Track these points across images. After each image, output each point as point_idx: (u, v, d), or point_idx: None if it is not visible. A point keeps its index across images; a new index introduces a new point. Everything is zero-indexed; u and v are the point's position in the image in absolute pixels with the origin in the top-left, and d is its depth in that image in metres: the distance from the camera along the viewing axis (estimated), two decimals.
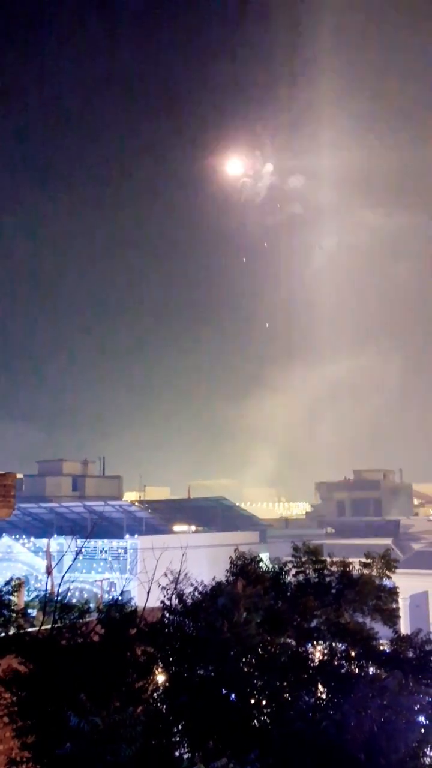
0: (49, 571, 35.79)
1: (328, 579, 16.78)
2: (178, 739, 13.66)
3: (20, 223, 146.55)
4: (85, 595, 40.10)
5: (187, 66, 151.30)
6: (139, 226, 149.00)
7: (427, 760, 13.17)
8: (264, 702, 13.97)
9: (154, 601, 15.93)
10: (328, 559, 17.11)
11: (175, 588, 15.54)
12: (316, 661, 15.08)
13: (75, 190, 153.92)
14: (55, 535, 50.50)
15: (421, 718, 13.41)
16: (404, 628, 18.26)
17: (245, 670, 14.05)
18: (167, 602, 15.48)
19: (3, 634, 15.46)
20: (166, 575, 16.03)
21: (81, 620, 15.11)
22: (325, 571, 16.90)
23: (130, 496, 76.78)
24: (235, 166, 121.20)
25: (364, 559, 17.15)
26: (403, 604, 18.82)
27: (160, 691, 14.11)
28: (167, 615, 15.35)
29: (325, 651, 15.32)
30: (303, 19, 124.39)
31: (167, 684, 14.18)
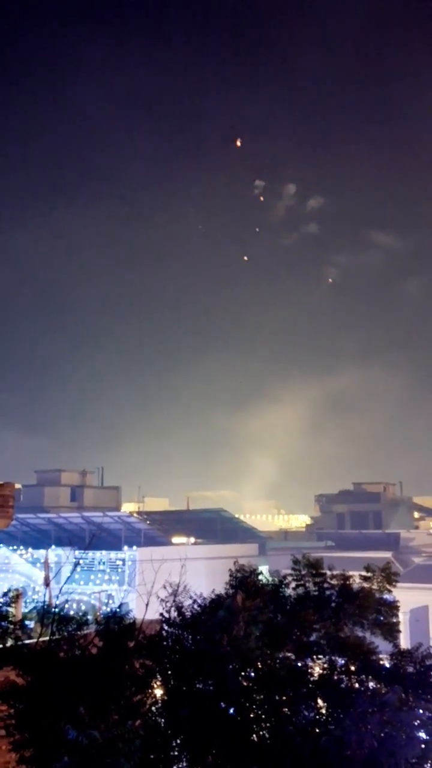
0: (47, 583, 35.64)
1: (327, 592, 16.69)
2: (176, 753, 13.55)
3: (28, 230, 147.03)
4: (83, 607, 39.90)
5: (207, 88, 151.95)
6: (148, 240, 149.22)
7: None
8: (263, 717, 13.85)
9: (153, 614, 15.84)
10: (328, 572, 17.02)
11: (174, 600, 15.46)
12: (316, 675, 14.97)
13: (87, 202, 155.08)
14: (53, 546, 50.35)
15: (422, 734, 13.31)
16: (404, 642, 18.14)
17: (244, 684, 13.95)
18: (166, 615, 15.39)
19: (0, 646, 15.36)
20: (164, 587, 15.95)
21: (79, 632, 15.00)
22: (325, 585, 16.81)
23: (128, 507, 76.62)
24: (257, 186, 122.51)
25: (364, 573, 17.06)
26: (403, 619, 18.72)
27: (159, 704, 14.01)
28: (166, 628, 15.26)
29: (325, 665, 15.21)
30: (329, 46, 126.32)
31: (166, 697, 14.08)
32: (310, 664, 15.33)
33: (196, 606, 15.37)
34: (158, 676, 14.36)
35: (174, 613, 15.27)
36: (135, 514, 61.71)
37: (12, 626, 15.64)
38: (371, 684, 14.68)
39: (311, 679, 14.82)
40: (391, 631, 16.33)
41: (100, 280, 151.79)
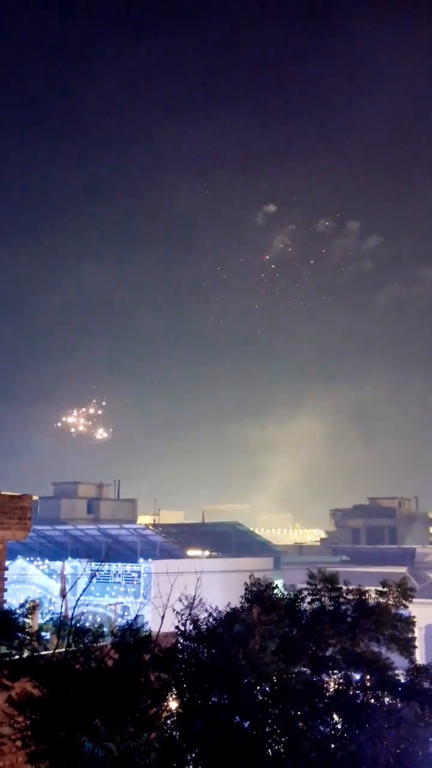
0: (63, 594, 35.72)
1: (343, 607, 16.68)
2: (191, 766, 13.56)
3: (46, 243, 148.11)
4: (99, 619, 39.90)
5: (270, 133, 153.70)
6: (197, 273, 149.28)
7: None
8: (278, 731, 13.83)
9: (168, 626, 15.86)
10: (344, 587, 17.00)
11: (190, 613, 15.49)
12: (332, 690, 14.96)
13: (115, 221, 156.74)
14: (70, 558, 50.40)
15: None
16: (420, 658, 18.05)
17: (259, 698, 13.95)
18: (181, 628, 15.42)
19: (17, 657, 15.42)
20: (180, 600, 15.98)
21: (95, 644, 15.05)
22: (341, 599, 16.80)
23: (144, 519, 76.61)
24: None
25: (379, 588, 17.03)
26: (419, 634, 18.61)
27: (174, 717, 14.03)
28: (181, 641, 15.29)
29: (341, 680, 15.20)
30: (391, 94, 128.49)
31: (181, 711, 14.10)
32: (326, 678, 15.31)
33: (211, 619, 15.39)
34: (173, 689, 14.38)
35: (189, 626, 15.30)
36: (150, 527, 61.70)
37: (28, 637, 15.71)
38: (387, 699, 14.64)
39: (327, 693, 14.80)
40: (407, 647, 16.28)
41: (141, 308, 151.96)
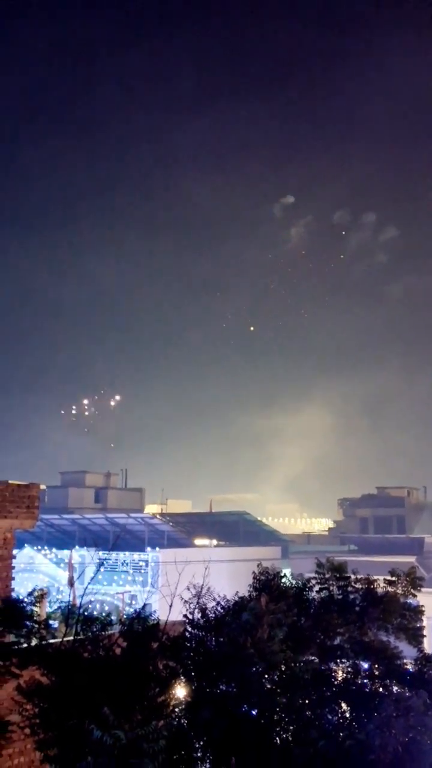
0: (71, 583, 35.82)
1: (352, 596, 16.63)
2: (200, 754, 13.57)
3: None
4: (106, 608, 40.03)
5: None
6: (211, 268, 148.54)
7: None
8: (286, 719, 13.84)
9: (176, 615, 15.87)
10: (352, 576, 16.96)
11: (198, 602, 15.48)
12: (340, 679, 14.94)
13: (133, 215, 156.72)
14: (77, 547, 50.50)
15: None
16: (429, 647, 18.00)
17: (268, 686, 13.94)
18: (189, 616, 15.42)
19: (25, 645, 15.46)
20: (188, 589, 15.98)
21: (103, 633, 15.07)
22: (349, 588, 16.76)
23: (151, 508, 76.70)
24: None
25: (388, 577, 16.98)
26: (427, 624, 18.55)
27: (182, 705, 14.04)
28: (189, 629, 15.29)
29: (349, 669, 15.17)
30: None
31: (189, 699, 14.11)
32: (334, 667, 15.29)
33: (219, 608, 15.39)
34: (182, 677, 14.40)
35: (197, 615, 15.30)
36: (158, 516, 61.78)
37: (37, 626, 15.74)
38: (395, 688, 14.61)
39: (335, 682, 14.78)
40: (415, 636, 16.24)
41: (154, 304, 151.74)
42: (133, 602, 42.63)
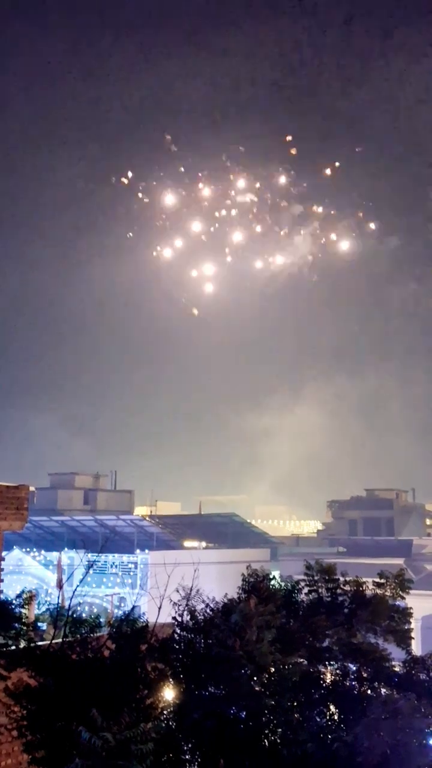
0: (60, 585, 35.75)
1: (340, 598, 16.68)
2: (188, 756, 13.57)
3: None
4: (95, 610, 39.95)
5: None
6: None
7: None
8: (275, 722, 13.85)
9: (165, 617, 15.86)
10: (341, 578, 17.00)
11: (187, 604, 15.48)
12: (328, 681, 14.97)
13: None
14: (66, 549, 50.42)
15: None
16: (417, 649, 18.08)
17: (256, 689, 13.95)
18: (178, 618, 15.41)
19: (13, 647, 15.42)
20: (177, 591, 15.97)
21: (92, 635, 15.05)
22: (338, 591, 16.80)
23: (141, 510, 76.67)
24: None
25: (376, 579, 17.04)
26: (416, 626, 18.67)
27: (171, 707, 14.03)
28: (178, 631, 15.28)
29: (337, 671, 15.22)
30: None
31: (177, 701, 14.09)
32: (323, 669, 15.33)
33: (208, 610, 15.38)
34: (170, 679, 14.38)
35: (186, 617, 15.29)
36: (147, 518, 61.75)
37: (25, 628, 15.71)
38: (383, 690, 14.67)
39: (323, 684, 14.82)
40: (403, 638, 16.29)
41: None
42: (122, 604, 42.60)
